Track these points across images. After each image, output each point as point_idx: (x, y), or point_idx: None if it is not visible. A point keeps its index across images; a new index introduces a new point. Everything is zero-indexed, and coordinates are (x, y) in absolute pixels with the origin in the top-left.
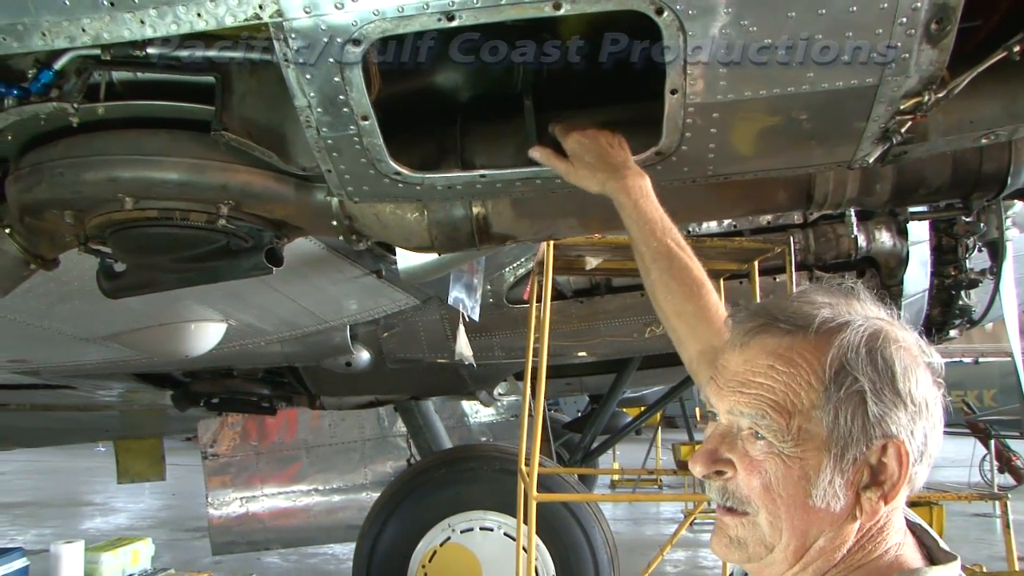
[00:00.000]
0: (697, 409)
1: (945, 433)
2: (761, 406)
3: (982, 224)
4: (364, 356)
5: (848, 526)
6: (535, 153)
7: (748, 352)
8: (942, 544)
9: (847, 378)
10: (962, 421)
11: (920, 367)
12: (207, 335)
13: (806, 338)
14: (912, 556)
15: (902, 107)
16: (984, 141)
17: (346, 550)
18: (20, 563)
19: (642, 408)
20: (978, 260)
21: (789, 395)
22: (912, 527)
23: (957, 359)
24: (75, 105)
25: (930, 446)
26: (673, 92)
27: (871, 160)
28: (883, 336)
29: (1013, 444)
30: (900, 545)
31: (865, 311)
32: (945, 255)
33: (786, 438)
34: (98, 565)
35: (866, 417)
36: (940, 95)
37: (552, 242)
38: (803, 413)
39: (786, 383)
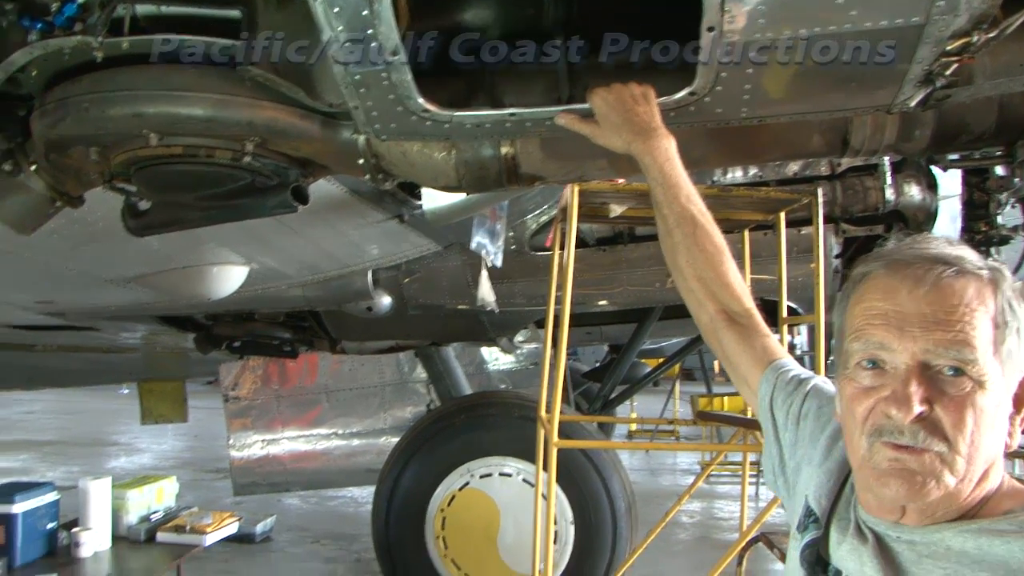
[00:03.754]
0: (716, 362)
1: None
2: (965, 342)
3: (1016, 180)
4: (385, 301)
5: (1000, 453)
6: (561, 120)
7: (932, 295)
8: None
9: (1013, 316)
10: None
11: None
12: (229, 278)
13: (981, 281)
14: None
15: (948, 48)
16: None
17: (365, 493)
18: (51, 496)
19: (661, 360)
20: (1010, 216)
21: (982, 331)
22: None
23: None
24: (99, 39)
25: None
26: (710, 29)
27: (912, 104)
28: (1013, 281)
29: None
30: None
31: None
32: (976, 210)
33: (984, 371)
34: (124, 501)
35: (1020, 351)
36: (990, 35)
37: (576, 189)
38: (991, 348)
39: (979, 320)
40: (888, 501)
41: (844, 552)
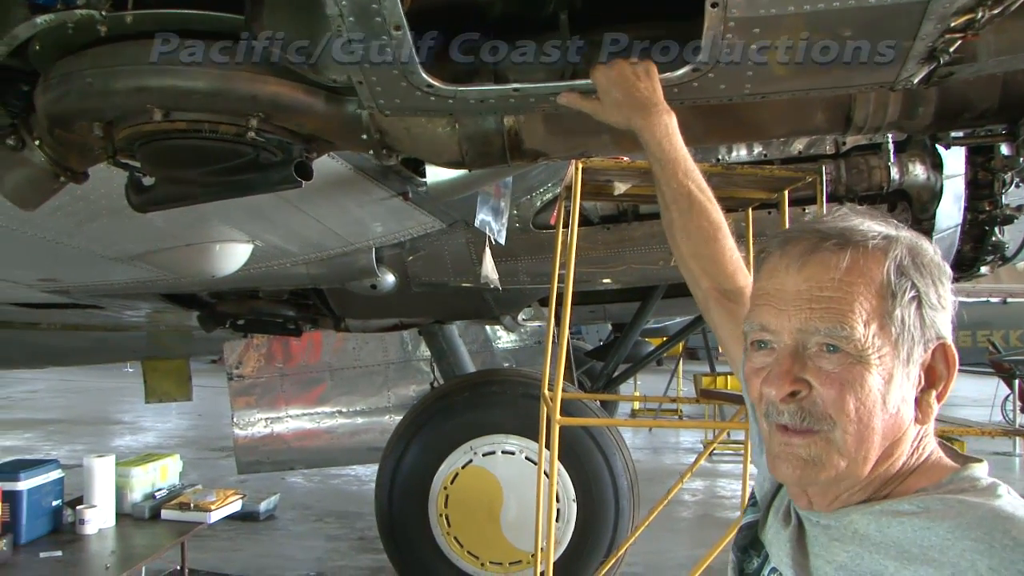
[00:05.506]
0: None
1: (969, 372)
2: (837, 318)
3: (1021, 159)
4: (389, 279)
5: (910, 429)
6: (563, 99)
7: (808, 270)
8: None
9: (906, 284)
10: (986, 361)
11: (946, 275)
12: (233, 256)
13: (866, 251)
14: (947, 458)
15: (952, 25)
16: None
17: (368, 471)
18: (56, 474)
19: (664, 339)
20: (1015, 196)
21: (860, 305)
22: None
23: (985, 298)
24: (102, 12)
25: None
26: (714, 5)
27: (915, 81)
28: (920, 247)
29: None
30: (936, 448)
31: (891, 227)
32: (980, 190)
33: (863, 347)
34: (128, 479)
35: (923, 321)
36: (995, 12)
37: (580, 166)
38: (875, 321)
39: (856, 294)
40: (785, 484)
41: (770, 536)
